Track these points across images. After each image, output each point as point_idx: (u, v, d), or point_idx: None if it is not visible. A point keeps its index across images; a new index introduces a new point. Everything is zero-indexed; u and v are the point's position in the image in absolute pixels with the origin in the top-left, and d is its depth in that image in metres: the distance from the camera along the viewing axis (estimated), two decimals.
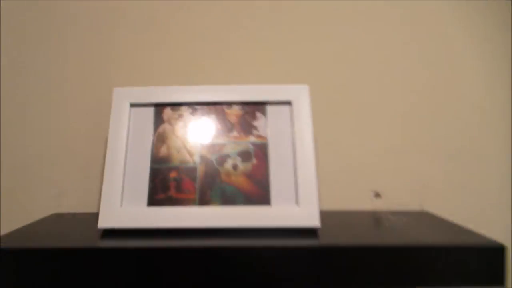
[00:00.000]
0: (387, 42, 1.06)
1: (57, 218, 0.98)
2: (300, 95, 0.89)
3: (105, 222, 0.80)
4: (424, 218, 0.95)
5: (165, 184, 0.84)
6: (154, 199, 0.83)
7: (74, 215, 1.00)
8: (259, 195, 0.83)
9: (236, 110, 0.89)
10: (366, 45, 1.06)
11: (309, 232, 0.79)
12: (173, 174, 0.85)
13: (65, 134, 1.04)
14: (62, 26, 1.06)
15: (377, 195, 1.06)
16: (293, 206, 0.82)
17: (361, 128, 1.06)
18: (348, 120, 1.06)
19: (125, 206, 0.83)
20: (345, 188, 1.05)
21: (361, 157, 1.05)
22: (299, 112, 0.88)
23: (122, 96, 0.89)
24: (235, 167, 0.85)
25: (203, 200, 0.83)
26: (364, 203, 1.05)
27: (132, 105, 0.89)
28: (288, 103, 0.89)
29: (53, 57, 1.06)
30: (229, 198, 0.83)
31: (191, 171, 0.85)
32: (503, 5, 1.04)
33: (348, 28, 1.06)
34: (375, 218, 0.95)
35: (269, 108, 0.90)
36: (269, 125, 0.88)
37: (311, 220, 0.80)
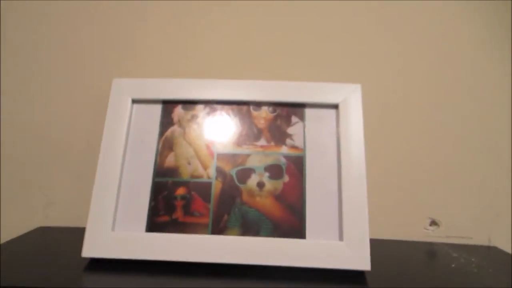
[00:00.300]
0: (451, 38, 0.85)
1: (42, 234, 0.80)
2: (350, 96, 0.69)
3: (91, 250, 0.62)
4: (494, 255, 0.75)
5: (170, 203, 0.65)
6: (155, 223, 0.64)
7: (61, 231, 0.82)
8: (291, 224, 0.63)
9: (265, 113, 0.70)
10: (427, 42, 0.85)
11: (354, 274, 0.59)
12: (181, 191, 0.66)
13: (56, 135, 0.87)
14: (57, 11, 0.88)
15: (434, 223, 0.85)
16: (335, 241, 0.62)
17: (418, 141, 0.85)
18: (404, 130, 0.84)
19: (118, 231, 0.64)
20: (395, 213, 0.83)
21: (416, 176, 0.84)
22: (347, 118, 0.68)
23: (123, 89, 0.70)
24: (261, 185, 0.66)
25: (218, 227, 0.64)
26: (417, 232, 0.84)
27: (135, 101, 0.71)
28: (334, 106, 0.70)
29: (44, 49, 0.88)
30: (251, 226, 0.64)
31: (205, 188, 0.66)
32: None
33: (404, 23, 0.86)
34: (431, 252, 0.75)
35: (308, 112, 0.70)
36: (308, 133, 0.69)
37: (360, 261, 0.60)
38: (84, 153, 0.85)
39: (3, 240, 0.74)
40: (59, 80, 0.87)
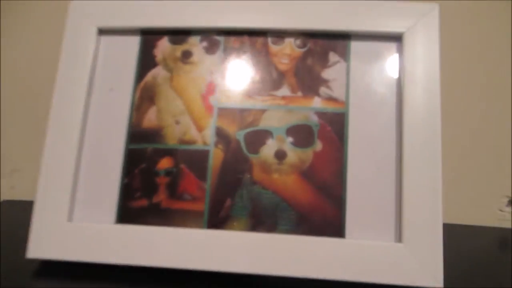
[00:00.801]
0: None
1: (7, 211, 0.62)
2: (422, 22, 0.45)
3: (39, 249, 0.43)
4: None
5: (150, 181, 0.45)
6: (129, 210, 0.45)
7: (29, 205, 0.63)
8: (325, 214, 0.42)
9: (290, 47, 0.47)
10: None
11: None
12: (165, 163, 0.45)
13: (14, 79, 0.66)
14: None
15: None
16: (390, 242, 0.41)
17: (503, 92, 0.59)
18: (486, 78, 0.58)
19: (76, 222, 0.45)
20: (463, 191, 0.60)
21: (495, 142, 0.59)
22: (417, 56, 0.44)
23: (84, 15, 0.49)
24: (281, 155, 0.44)
25: (218, 218, 0.43)
26: (491, 215, 0.61)
27: (102, 31, 0.49)
28: (396, 37, 0.45)
29: None
30: (266, 216, 0.43)
31: (199, 159, 0.45)
32: None
33: None
34: (506, 241, 0.54)
35: (355, 46, 0.46)
36: (354, 78, 0.46)
37: (429, 274, 0.39)
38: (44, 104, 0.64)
39: None
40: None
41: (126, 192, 0.45)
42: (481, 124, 0.58)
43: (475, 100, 0.58)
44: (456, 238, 0.54)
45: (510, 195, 0.59)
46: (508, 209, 0.61)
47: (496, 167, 0.59)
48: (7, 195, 0.67)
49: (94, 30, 0.49)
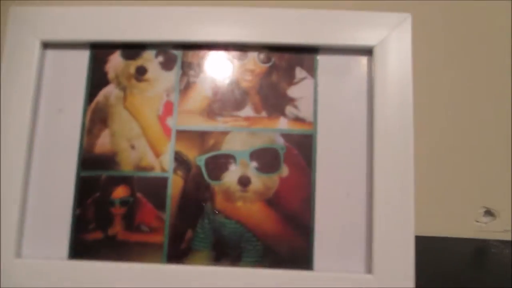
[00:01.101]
0: None
1: None
2: (394, 34, 0.42)
3: None
4: None
5: (104, 211, 0.42)
6: (83, 243, 0.41)
7: None
8: (292, 245, 0.40)
9: (254, 62, 0.43)
10: None
11: None
12: (120, 192, 0.42)
13: None
14: None
15: (489, 213, 0.60)
16: (360, 274, 0.39)
17: (478, 102, 0.56)
18: (461, 89, 0.56)
19: (25, 258, 0.41)
20: (439, 202, 0.58)
21: (470, 154, 0.57)
22: (387, 70, 0.41)
23: (26, 25, 0.44)
24: (245, 182, 0.41)
25: (178, 250, 0.41)
26: (467, 226, 0.59)
27: (47, 44, 0.44)
28: (366, 51, 0.42)
29: None
30: (230, 247, 0.41)
31: (157, 187, 0.42)
32: None
33: None
34: (483, 251, 0.53)
35: (323, 61, 0.43)
36: (322, 96, 0.42)
37: None
38: None
39: None
40: None
41: (79, 224, 0.42)
42: (456, 134, 0.56)
43: (449, 111, 0.55)
44: (431, 250, 0.52)
45: (486, 206, 0.58)
46: (485, 219, 0.59)
47: (472, 177, 0.57)
48: None
49: (37, 43, 0.44)
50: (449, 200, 0.57)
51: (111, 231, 0.42)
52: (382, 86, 0.42)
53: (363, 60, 0.43)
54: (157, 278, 0.40)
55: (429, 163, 0.52)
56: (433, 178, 0.54)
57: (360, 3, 0.49)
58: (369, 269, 0.40)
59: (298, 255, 0.41)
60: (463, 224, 0.58)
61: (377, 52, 0.42)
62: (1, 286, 0.40)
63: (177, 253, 0.41)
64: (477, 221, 0.58)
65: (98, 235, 0.42)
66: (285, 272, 0.40)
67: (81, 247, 0.42)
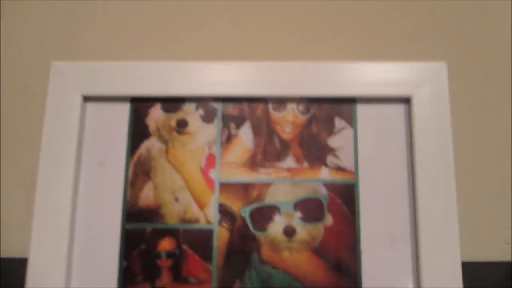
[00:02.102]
0: None
1: None
2: (431, 82, 0.43)
3: None
4: None
5: (151, 264, 0.42)
6: None
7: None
8: None
9: (293, 114, 0.44)
10: None
11: None
12: (166, 245, 0.42)
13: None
14: None
15: None
16: None
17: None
18: (498, 132, 0.57)
19: None
20: (467, 226, 0.58)
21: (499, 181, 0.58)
22: (426, 118, 0.42)
23: (68, 80, 0.44)
24: (290, 232, 0.42)
25: None
26: (495, 249, 0.60)
27: (87, 98, 0.44)
28: (404, 99, 0.43)
29: None
30: None
31: (203, 238, 0.42)
32: None
33: None
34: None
35: (361, 111, 0.44)
36: (362, 145, 0.43)
37: None
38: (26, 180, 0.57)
39: None
40: None
41: (126, 276, 0.42)
42: (493, 178, 0.57)
43: (489, 159, 0.56)
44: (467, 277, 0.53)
45: None
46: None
47: (499, 202, 0.58)
48: None
49: (79, 97, 0.45)
50: (479, 225, 0.58)
51: (159, 283, 0.42)
52: (421, 134, 0.43)
53: (401, 108, 0.44)
54: None
55: (469, 205, 0.52)
56: (470, 212, 0.55)
57: (396, 52, 0.50)
58: None
59: None
60: (491, 247, 0.59)
61: (415, 101, 0.43)
62: None
63: None
64: (507, 244, 0.59)
65: (146, 287, 0.42)
66: None
67: None
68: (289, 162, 0.44)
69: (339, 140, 0.44)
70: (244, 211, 0.43)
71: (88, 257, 0.43)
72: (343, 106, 0.45)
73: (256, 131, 0.44)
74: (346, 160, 0.44)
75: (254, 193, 0.43)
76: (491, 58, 0.54)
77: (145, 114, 0.45)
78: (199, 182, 0.44)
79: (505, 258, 0.59)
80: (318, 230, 0.42)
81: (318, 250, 0.42)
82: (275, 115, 0.45)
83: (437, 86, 0.44)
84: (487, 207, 0.55)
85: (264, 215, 0.43)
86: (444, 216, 0.41)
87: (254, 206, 0.43)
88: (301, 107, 0.45)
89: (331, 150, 0.44)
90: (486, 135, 0.55)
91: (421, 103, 0.43)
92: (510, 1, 0.54)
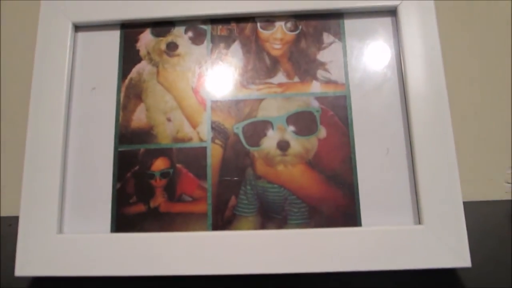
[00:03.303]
0: None
1: None
2: None
3: (28, 266, 0.39)
4: None
5: (145, 184, 0.41)
6: (125, 217, 0.41)
7: (11, 222, 0.59)
8: (337, 203, 0.40)
9: (281, 31, 0.44)
10: None
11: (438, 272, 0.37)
12: (160, 164, 0.42)
13: None
14: None
15: None
16: (409, 225, 0.39)
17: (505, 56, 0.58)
18: (488, 43, 0.58)
19: (67, 233, 0.41)
20: (466, 165, 0.58)
21: (497, 112, 0.58)
22: (413, 27, 0.42)
23: (58, 9, 0.44)
24: (284, 146, 0.41)
25: (223, 218, 0.40)
26: (496, 188, 0.60)
27: (78, 26, 0.45)
28: (390, 11, 0.43)
29: None
30: (274, 211, 0.40)
31: (197, 157, 0.42)
32: None
33: None
34: None
35: (349, 25, 0.44)
36: (351, 58, 0.43)
37: (456, 256, 0.37)
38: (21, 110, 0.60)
39: None
40: None
41: (120, 198, 0.42)
42: (484, 88, 0.57)
43: (478, 68, 0.56)
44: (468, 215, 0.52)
45: None
46: None
47: (498, 139, 0.57)
48: None
49: (69, 26, 0.45)
50: (477, 164, 0.58)
51: (153, 203, 0.42)
52: (410, 44, 0.43)
53: (388, 21, 0.44)
54: (203, 247, 0.39)
55: (461, 125, 0.52)
56: (463, 140, 0.54)
57: None
58: (418, 220, 0.39)
59: (344, 213, 0.40)
60: (492, 187, 0.58)
61: (401, 12, 0.43)
62: (44, 263, 0.39)
63: (222, 220, 0.41)
64: (508, 183, 0.59)
65: (140, 208, 0.42)
66: (332, 231, 0.40)
67: (124, 221, 0.41)
68: (280, 77, 0.44)
69: (329, 54, 0.44)
70: (236, 128, 0.43)
71: (82, 180, 0.43)
72: (331, 21, 0.45)
73: (245, 50, 0.44)
74: (336, 74, 0.44)
75: (246, 110, 0.43)
76: None
77: (136, 40, 0.45)
78: (190, 101, 0.43)
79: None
80: (312, 142, 0.42)
81: (313, 163, 0.42)
82: (264, 33, 0.45)
83: None
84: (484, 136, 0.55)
85: (257, 130, 0.42)
86: (438, 123, 0.41)
87: (246, 122, 0.43)
88: (289, 24, 0.45)
89: (321, 64, 0.44)
90: (474, 44, 0.55)
91: (407, 13, 0.43)
92: None
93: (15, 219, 0.59)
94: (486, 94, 0.57)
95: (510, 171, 0.58)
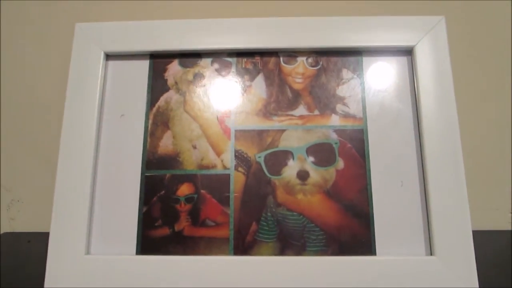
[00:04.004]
0: None
1: (8, 244, 0.59)
2: (431, 35, 0.45)
3: (56, 280, 0.41)
4: None
5: (170, 208, 0.43)
6: (150, 239, 0.43)
7: (30, 238, 0.60)
8: (354, 232, 0.42)
9: (303, 66, 0.47)
10: None
11: None
12: (185, 190, 0.44)
13: (12, 110, 0.63)
14: None
15: None
16: (422, 256, 0.41)
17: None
18: (498, 82, 0.60)
19: (95, 254, 0.42)
20: (473, 196, 0.60)
21: (503, 145, 0.61)
22: (427, 67, 0.45)
23: (90, 38, 0.47)
24: (303, 175, 0.44)
25: (244, 243, 0.42)
26: (501, 218, 0.62)
27: (110, 55, 0.47)
28: (407, 51, 0.46)
29: None
30: (294, 238, 0.42)
31: (220, 183, 0.44)
32: None
33: None
34: None
35: (367, 62, 0.47)
36: (369, 93, 0.46)
37: (464, 282, 0.39)
38: (49, 132, 0.62)
39: None
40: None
41: (146, 221, 0.44)
42: (494, 126, 0.60)
43: (489, 104, 0.59)
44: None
45: None
46: None
47: (507, 168, 0.60)
48: (7, 227, 0.63)
49: (101, 55, 0.47)
50: (484, 195, 0.60)
51: (177, 227, 0.44)
52: (424, 83, 0.45)
53: (404, 60, 0.47)
54: (225, 270, 0.41)
55: (470, 159, 0.54)
56: (473, 173, 0.57)
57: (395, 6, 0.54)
58: (430, 251, 0.42)
59: (360, 242, 0.42)
60: (497, 217, 0.61)
61: (417, 52, 0.46)
62: (72, 282, 0.41)
63: (243, 245, 0.43)
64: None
65: (165, 231, 0.44)
66: (348, 259, 0.42)
67: (149, 244, 0.43)
68: (301, 110, 0.46)
69: (348, 90, 0.46)
70: (259, 157, 0.45)
71: (110, 203, 0.45)
72: (350, 58, 0.47)
73: (268, 83, 0.47)
74: (354, 108, 0.46)
75: (268, 140, 0.45)
76: (486, 11, 0.58)
77: (164, 70, 0.48)
78: (215, 130, 0.46)
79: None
80: (330, 173, 0.44)
81: (331, 193, 0.44)
82: (286, 67, 0.47)
83: (437, 38, 0.46)
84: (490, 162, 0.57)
85: (278, 160, 0.45)
86: (450, 158, 0.43)
87: (268, 151, 0.45)
88: (310, 60, 0.47)
89: (340, 99, 0.46)
90: (486, 84, 0.58)
91: (422, 53, 0.46)
92: None
93: (33, 235, 0.61)
94: (495, 130, 0.60)
95: None
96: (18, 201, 0.64)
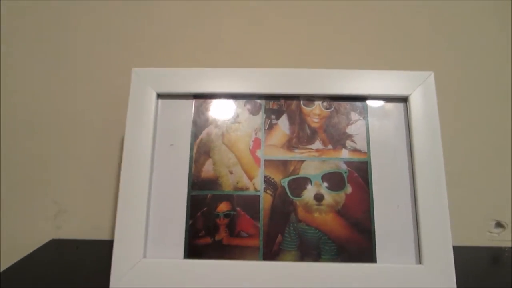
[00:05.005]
0: None
1: (56, 249, 0.69)
2: (423, 87, 0.57)
3: (119, 281, 0.51)
4: None
5: (211, 222, 0.54)
6: (195, 247, 0.53)
7: (77, 245, 0.70)
8: (359, 244, 0.53)
9: (319, 108, 0.58)
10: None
11: None
12: (223, 207, 0.55)
13: (66, 132, 0.74)
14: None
15: (499, 225, 0.75)
16: (412, 264, 0.52)
17: (491, 136, 0.73)
18: (480, 126, 0.73)
19: (150, 258, 0.53)
20: (455, 215, 0.72)
21: (482, 173, 0.73)
22: (420, 113, 0.56)
23: (145, 81, 0.58)
24: (319, 198, 0.54)
25: (271, 251, 0.53)
26: (481, 236, 0.74)
27: (160, 95, 0.58)
28: (403, 99, 0.57)
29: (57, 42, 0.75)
30: (311, 248, 0.53)
31: (252, 202, 0.55)
32: None
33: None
34: (496, 259, 0.66)
35: (371, 107, 0.58)
36: (372, 133, 0.57)
37: (444, 284, 0.50)
38: (98, 154, 0.73)
39: (11, 257, 0.63)
40: (67, 72, 0.74)
41: (192, 232, 0.54)
42: (473, 160, 0.72)
43: (471, 139, 0.72)
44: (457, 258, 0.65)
45: (497, 219, 0.72)
46: (496, 230, 0.74)
47: (485, 194, 0.72)
48: (53, 235, 0.73)
49: (153, 95, 0.58)
50: (466, 214, 0.71)
51: (217, 237, 0.54)
52: (416, 124, 0.56)
53: (401, 106, 0.58)
54: (255, 273, 0.52)
55: (453, 186, 0.66)
56: (455, 197, 0.68)
57: (397, 61, 0.65)
58: (419, 261, 0.53)
59: (364, 252, 0.53)
60: (477, 234, 0.72)
61: (411, 100, 0.57)
62: (133, 280, 0.51)
63: (271, 253, 0.53)
64: (490, 232, 0.73)
65: (207, 240, 0.54)
66: (355, 265, 0.52)
67: (194, 250, 0.54)
68: (317, 144, 0.57)
69: (355, 129, 0.58)
70: (283, 182, 0.56)
71: (162, 217, 0.55)
72: (357, 103, 0.59)
73: (291, 121, 0.58)
74: (360, 144, 0.57)
75: (291, 168, 0.56)
76: (470, 66, 0.70)
77: (206, 108, 0.59)
78: (248, 159, 0.57)
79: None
80: (340, 196, 0.55)
81: (341, 212, 0.55)
82: (306, 109, 0.58)
83: (427, 89, 0.58)
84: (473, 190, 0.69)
85: (299, 184, 0.56)
86: (436, 186, 0.54)
87: (291, 177, 0.56)
88: (325, 104, 0.59)
89: (349, 136, 0.57)
90: (468, 128, 0.70)
91: (416, 101, 0.57)
92: (487, 20, 0.71)
93: (80, 243, 0.71)
94: (476, 164, 0.72)
95: (493, 222, 0.72)
96: (64, 212, 0.74)
